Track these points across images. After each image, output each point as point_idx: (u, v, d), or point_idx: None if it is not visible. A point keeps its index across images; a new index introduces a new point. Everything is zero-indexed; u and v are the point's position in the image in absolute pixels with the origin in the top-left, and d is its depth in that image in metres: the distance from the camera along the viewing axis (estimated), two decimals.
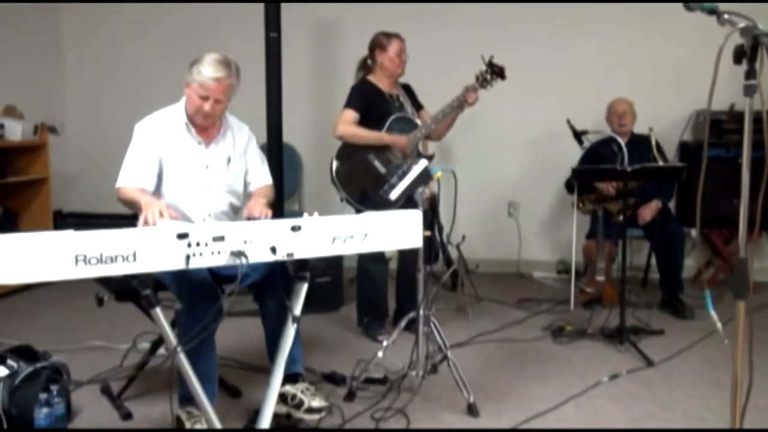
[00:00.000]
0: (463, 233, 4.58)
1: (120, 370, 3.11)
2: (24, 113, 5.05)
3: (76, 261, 1.80)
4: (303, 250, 2.11)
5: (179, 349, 2.06)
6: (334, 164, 3.60)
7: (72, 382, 2.78)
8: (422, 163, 2.79)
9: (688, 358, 3.42)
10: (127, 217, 4.62)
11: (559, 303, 4.37)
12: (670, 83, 5.02)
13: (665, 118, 4.95)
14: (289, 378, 2.50)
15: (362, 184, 3.56)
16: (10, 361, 2.57)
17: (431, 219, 3.12)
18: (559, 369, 3.29)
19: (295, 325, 2.29)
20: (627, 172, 3.58)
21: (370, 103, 3.61)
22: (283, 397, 2.48)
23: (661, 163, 4.03)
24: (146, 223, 2.26)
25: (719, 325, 1.66)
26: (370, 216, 2.24)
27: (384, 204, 2.84)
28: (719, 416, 2.73)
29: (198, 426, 2.39)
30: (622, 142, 3.84)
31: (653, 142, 4.05)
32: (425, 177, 2.79)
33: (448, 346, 2.90)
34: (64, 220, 5.29)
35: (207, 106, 2.54)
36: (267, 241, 2.05)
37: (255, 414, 2.57)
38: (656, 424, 2.70)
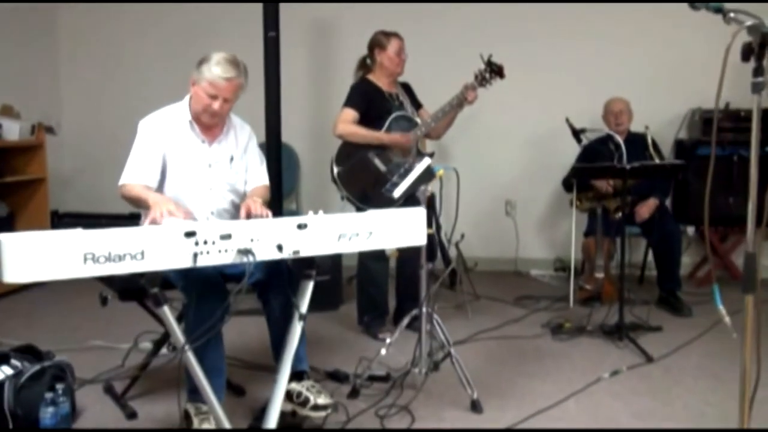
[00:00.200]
0: (462, 232, 4.60)
1: (123, 369, 3.12)
2: (21, 113, 5.04)
3: (85, 259, 1.80)
4: (309, 247, 2.12)
5: (187, 347, 2.06)
6: (335, 163, 3.60)
7: (76, 381, 2.78)
8: (425, 161, 2.80)
9: (687, 353, 3.45)
10: (124, 217, 4.65)
11: (557, 300, 4.40)
12: (665, 82, 5.07)
13: (660, 117, 5.00)
14: (295, 375, 2.51)
15: (363, 182, 3.57)
16: (14, 361, 2.57)
17: (430, 217, 3.13)
18: (560, 365, 3.31)
19: (301, 323, 2.30)
20: (626, 169, 3.60)
21: (369, 102, 3.62)
22: (288, 395, 2.48)
23: (657, 161, 4.06)
24: (154, 221, 2.26)
25: (727, 319, 1.68)
26: (375, 214, 2.25)
27: (385, 202, 2.84)
28: (719, 410, 2.77)
29: (206, 424, 2.39)
30: (620, 139, 3.86)
31: (649, 141, 4.08)
32: (428, 175, 2.80)
33: (451, 343, 2.92)
34: (60, 221, 5.28)
35: (216, 105, 2.54)
36: (273, 238, 2.06)
37: (260, 412, 2.59)
38: (657, 419, 2.72)
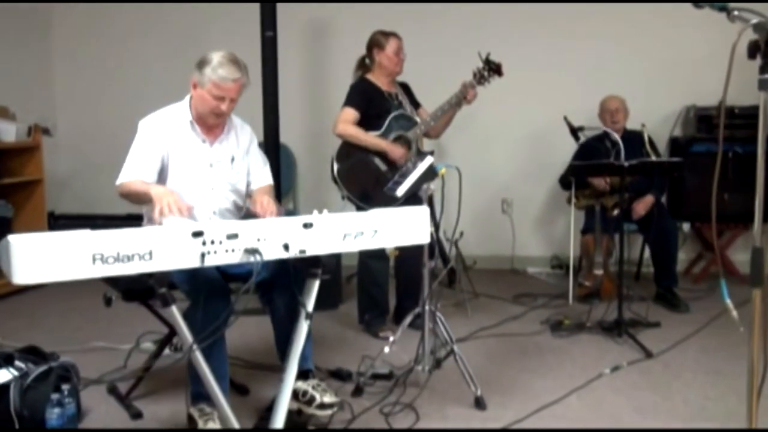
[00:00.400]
0: (461, 230, 4.61)
1: (126, 370, 3.12)
2: (16, 115, 5.02)
3: (94, 260, 1.81)
4: (315, 246, 2.13)
5: (195, 347, 2.06)
6: (335, 163, 3.61)
7: (82, 381, 2.78)
8: (428, 160, 2.81)
9: (686, 349, 3.48)
10: (121, 218, 4.64)
11: (555, 298, 4.43)
12: (660, 80, 5.10)
13: (656, 115, 5.03)
14: (300, 374, 2.51)
15: (364, 182, 3.58)
16: (18, 362, 2.56)
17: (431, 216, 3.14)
18: (561, 362, 3.33)
19: (307, 322, 2.31)
20: (625, 167, 3.62)
21: (369, 102, 3.63)
22: (294, 394, 2.48)
23: (653, 158, 4.08)
24: (162, 213, 2.26)
25: (734, 312, 1.70)
26: (379, 213, 2.26)
27: (385, 201, 2.85)
28: (719, 404, 2.81)
29: (211, 424, 2.40)
30: (617, 136, 3.88)
31: (646, 138, 4.10)
32: (431, 174, 2.81)
33: (454, 340, 2.93)
34: (57, 222, 5.26)
35: (223, 106, 2.53)
36: (280, 238, 2.07)
37: (265, 411, 2.60)
38: (659, 413, 2.75)
